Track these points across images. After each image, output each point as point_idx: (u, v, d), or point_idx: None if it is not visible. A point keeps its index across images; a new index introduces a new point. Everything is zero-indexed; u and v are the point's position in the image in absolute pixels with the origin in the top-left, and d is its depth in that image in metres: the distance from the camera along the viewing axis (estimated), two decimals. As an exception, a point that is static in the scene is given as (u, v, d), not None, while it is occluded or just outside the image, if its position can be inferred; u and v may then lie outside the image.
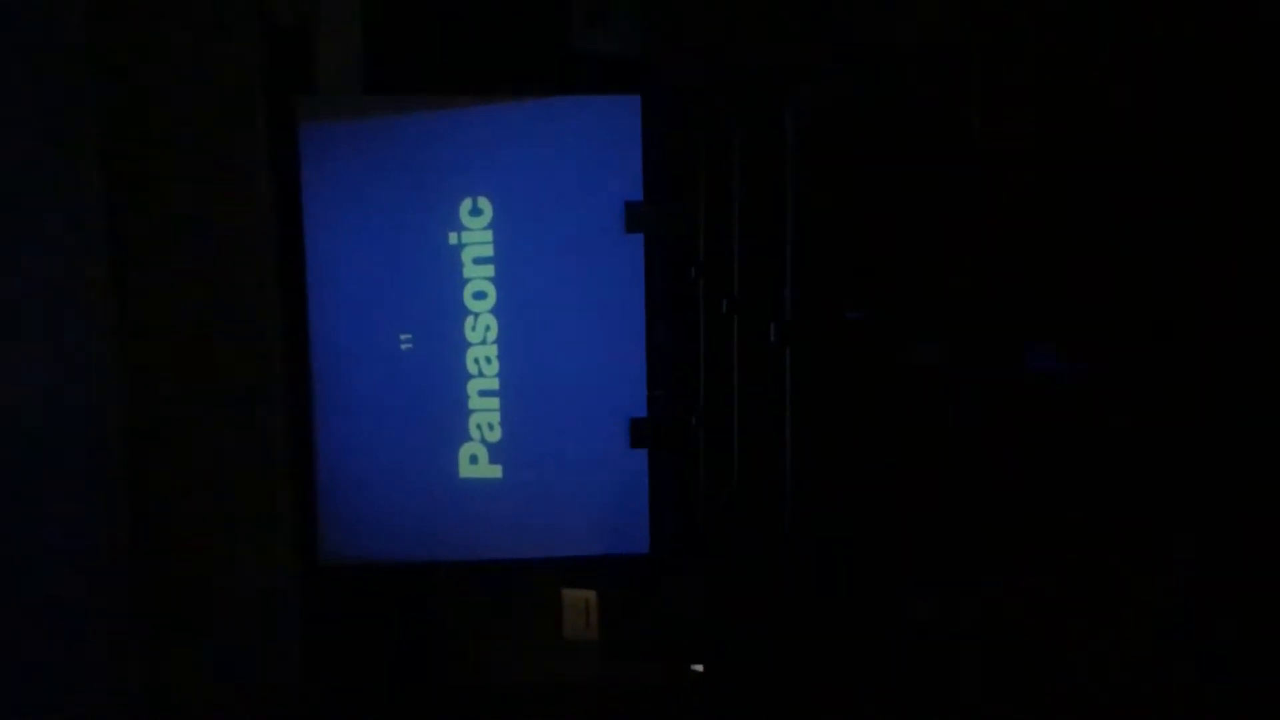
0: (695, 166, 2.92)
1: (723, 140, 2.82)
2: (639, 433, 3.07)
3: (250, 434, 2.90)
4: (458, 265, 3.01)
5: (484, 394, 3.05)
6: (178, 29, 2.77)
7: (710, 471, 3.01)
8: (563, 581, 3.14)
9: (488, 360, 3.04)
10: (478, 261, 3.01)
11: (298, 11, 3.00)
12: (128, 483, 2.80)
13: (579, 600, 3.12)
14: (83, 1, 2.65)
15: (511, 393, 3.05)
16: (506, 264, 3.02)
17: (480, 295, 3.02)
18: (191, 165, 2.81)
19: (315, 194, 2.96)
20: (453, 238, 3.00)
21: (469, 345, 3.03)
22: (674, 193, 3.00)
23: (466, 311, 3.02)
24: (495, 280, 3.02)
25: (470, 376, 3.04)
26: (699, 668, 3.01)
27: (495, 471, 3.07)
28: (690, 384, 3.04)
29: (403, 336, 3.02)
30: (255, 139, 2.85)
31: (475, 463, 3.07)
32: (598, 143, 2.99)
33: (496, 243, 3.01)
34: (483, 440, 3.06)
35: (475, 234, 3.01)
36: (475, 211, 3.00)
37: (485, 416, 3.06)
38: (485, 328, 3.03)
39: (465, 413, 3.05)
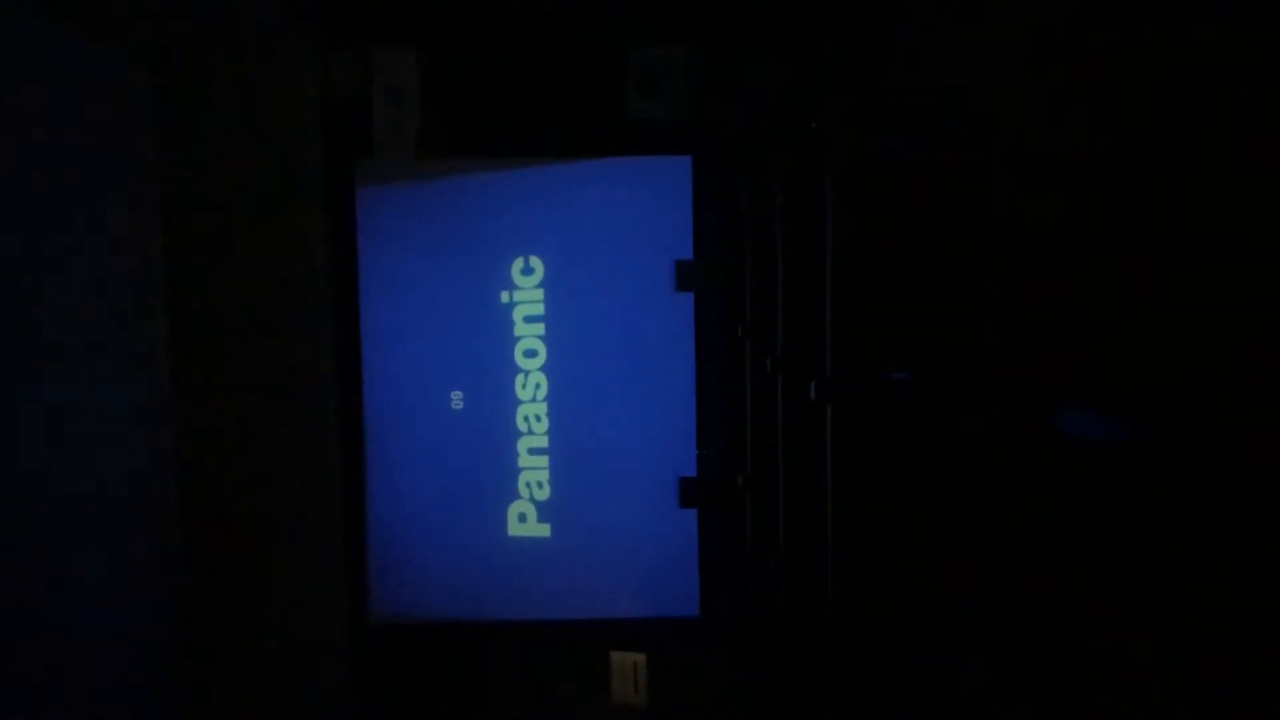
0: (744, 226, 2.91)
1: (768, 200, 2.82)
2: (688, 492, 3.03)
3: (305, 491, 2.95)
4: (509, 323, 3.04)
5: (533, 452, 3.05)
6: (242, 98, 2.89)
7: (759, 533, 2.95)
8: (612, 644, 3.09)
9: (537, 418, 3.04)
10: (529, 320, 3.04)
11: (359, 79, 3.09)
12: (182, 535, 2.86)
13: (628, 664, 3.07)
14: (149, 75, 2.78)
15: (561, 451, 3.05)
16: (557, 322, 3.03)
17: (531, 353, 3.04)
18: (251, 226, 2.90)
19: (371, 254, 3.03)
20: (504, 296, 3.04)
21: (519, 403, 3.04)
22: (724, 252, 2.99)
23: (517, 369, 3.04)
24: (546, 338, 3.03)
25: (520, 434, 3.05)
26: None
27: (544, 530, 3.06)
28: (740, 443, 3.00)
29: (454, 394, 3.04)
30: (314, 201, 2.94)
31: (524, 521, 3.06)
32: (649, 203, 3.01)
33: (547, 301, 3.03)
34: (531, 498, 3.06)
35: (527, 292, 3.03)
36: (527, 270, 3.03)
37: (534, 474, 3.05)
38: (535, 385, 3.04)
39: (515, 471, 3.05)
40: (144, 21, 2.71)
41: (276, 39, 2.87)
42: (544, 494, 3.05)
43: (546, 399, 3.04)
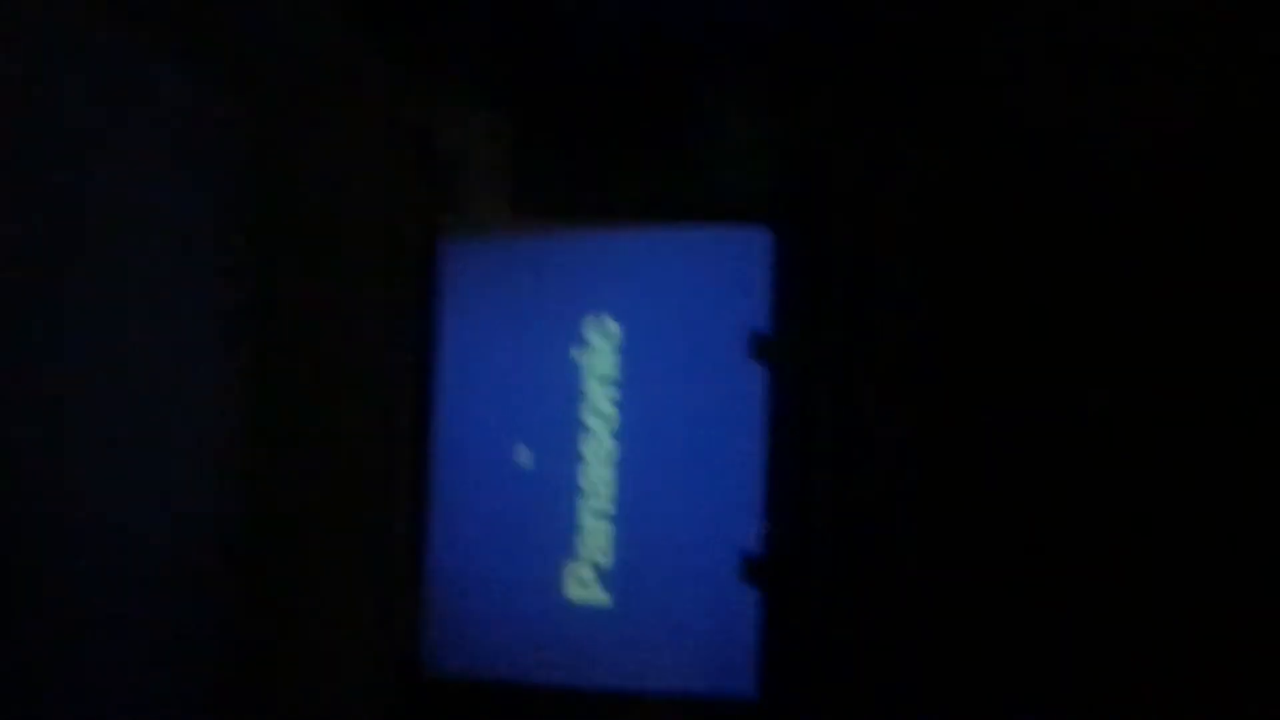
0: (824, 298, 2.86)
1: (853, 272, 2.78)
2: (751, 569, 2.95)
3: (369, 538, 2.97)
4: (581, 384, 3.03)
5: (597, 515, 3.01)
6: (340, 149, 2.98)
7: (824, 615, 2.85)
8: (667, 718, 3.00)
9: (603, 481, 3.01)
10: (601, 381, 3.02)
11: (454, 135, 3.17)
12: (245, 580, 2.89)
13: (680, 742, 2.97)
14: (252, 120, 2.89)
15: (624, 516, 3.01)
16: (629, 385, 3.01)
17: (601, 415, 3.02)
18: (338, 276, 2.97)
19: (451, 307, 3.07)
20: (579, 356, 3.03)
21: (586, 464, 3.02)
22: (802, 325, 2.94)
23: (586, 430, 3.02)
24: (617, 401, 3.01)
25: (585, 496, 3.02)
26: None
27: (603, 596, 3.01)
28: (808, 521, 2.91)
29: (522, 451, 3.04)
30: (401, 254, 3.00)
31: (584, 585, 3.02)
32: (727, 272, 2.99)
33: (621, 364, 3.02)
34: (592, 562, 3.02)
35: (601, 354, 3.03)
36: (603, 332, 3.03)
37: (597, 539, 3.01)
38: (603, 448, 3.01)
39: (577, 533, 3.02)
40: (250, 68, 2.82)
41: (377, 92, 2.97)
42: (605, 559, 3.01)
43: (613, 462, 3.01)
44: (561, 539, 3.03)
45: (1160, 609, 1.71)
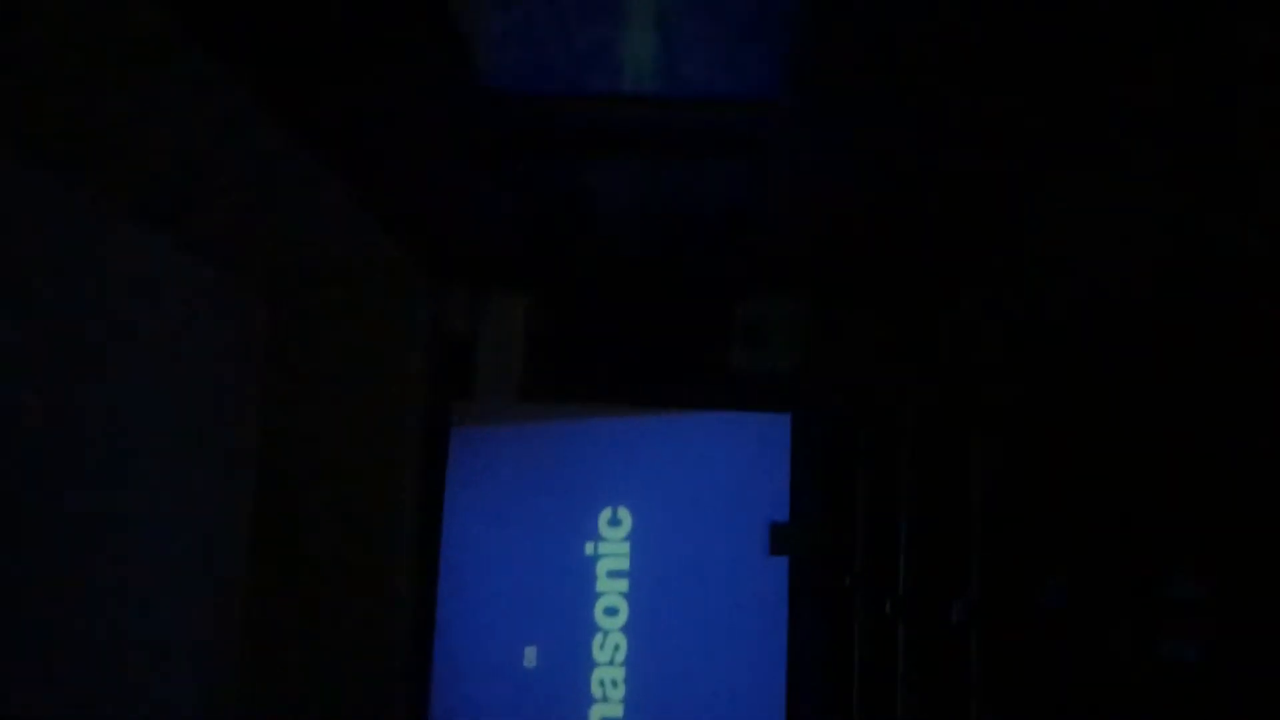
0: (844, 484, 2.76)
1: (879, 456, 2.69)
2: (774, 784, 2.71)
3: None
4: (591, 577, 2.88)
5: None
6: (352, 334, 2.95)
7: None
8: None
9: (614, 683, 2.82)
10: (612, 575, 2.88)
11: (467, 321, 3.16)
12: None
13: None
14: (265, 306, 2.88)
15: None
16: (642, 579, 2.87)
17: (612, 611, 2.86)
18: (346, 459, 2.88)
19: (458, 494, 2.97)
20: (589, 548, 2.90)
21: (595, 665, 2.83)
22: (821, 514, 2.82)
23: (596, 628, 2.85)
24: (629, 596, 2.86)
25: (594, 701, 2.82)
26: None
27: (613, 810, 2.76)
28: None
29: (528, 650, 2.86)
30: (410, 439, 2.93)
31: (593, 799, 2.77)
32: (745, 460, 2.91)
33: (634, 556, 2.89)
34: (603, 773, 2.78)
35: (612, 545, 2.90)
36: (614, 522, 2.91)
37: (607, 746, 2.79)
38: (614, 647, 2.84)
39: (586, 740, 2.80)
40: (266, 255, 2.83)
41: (390, 279, 2.96)
42: (616, 768, 2.77)
43: (625, 663, 2.82)
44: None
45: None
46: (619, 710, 2.81)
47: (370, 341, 2.97)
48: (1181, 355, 1.77)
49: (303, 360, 2.95)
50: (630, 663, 2.82)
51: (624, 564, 2.88)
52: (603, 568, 2.89)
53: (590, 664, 2.83)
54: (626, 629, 2.84)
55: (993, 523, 2.15)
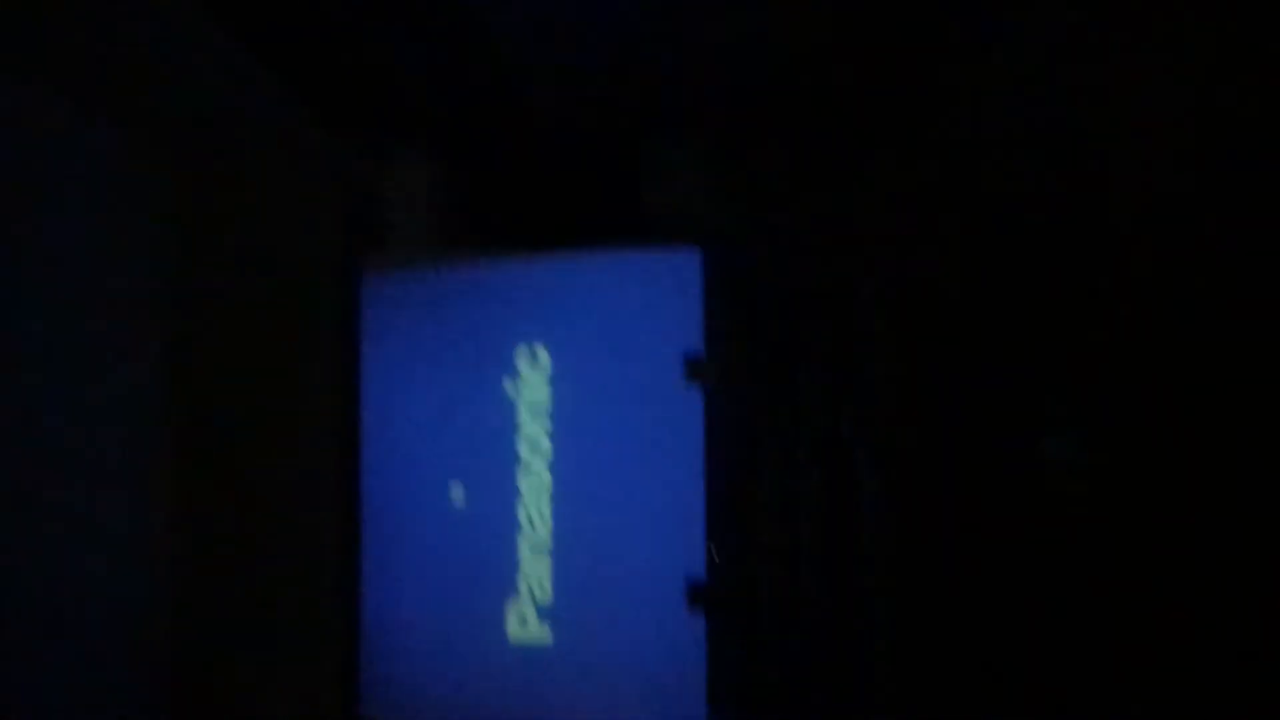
0: (754, 316, 2.85)
1: (785, 289, 2.78)
2: (697, 595, 2.89)
3: (299, 585, 2.84)
4: (513, 415, 2.96)
5: (535, 551, 2.93)
6: (261, 193, 2.88)
7: (774, 638, 2.81)
8: (614, 757, 2.91)
9: (540, 515, 2.93)
10: (533, 412, 2.95)
11: (371, 170, 3.09)
12: (173, 630, 2.74)
13: (631, 779, 2.88)
14: (169, 170, 2.78)
15: (564, 550, 2.93)
16: (563, 415, 2.95)
17: (535, 447, 2.95)
18: (261, 316, 2.86)
19: (376, 345, 2.98)
20: (509, 387, 2.96)
21: (521, 499, 2.94)
22: (735, 344, 2.92)
23: (520, 463, 2.95)
24: (551, 432, 2.95)
25: (521, 532, 2.94)
26: None
27: (545, 635, 2.92)
28: (749, 543, 2.88)
29: (454, 489, 2.94)
30: (323, 294, 2.91)
31: (524, 624, 2.93)
32: (658, 295, 2.96)
33: (553, 392, 2.96)
34: (533, 600, 2.93)
35: (532, 383, 2.96)
36: (533, 361, 2.97)
37: (536, 575, 2.93)
38: (539, 480, 2.94)
39: (515, 570, 2.93)
40: (173, 117, 2.70)
41: (293, 135, 2.87)
42: (546, 595, 2.92)
43: (550, 495, 2.93)
44: (499, 578, 2.94)
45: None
46: (547, 539, 2.94)
47: (277, 199, 2.91)
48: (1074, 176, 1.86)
49: (211, 222, 2.87)
50: (556, 494, 2.93)
51: (545, 401, 2.96)
52: (524, 405, 2.96)
53: (517, 497, 2.94)
54: (550, 463, 2.94)
55: (885, 344, 2.25)
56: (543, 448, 2.94)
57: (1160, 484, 1.68)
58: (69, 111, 2.36)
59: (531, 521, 2.93)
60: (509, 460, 2.94)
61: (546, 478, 2.94)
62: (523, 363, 2.97)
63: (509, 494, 2.94)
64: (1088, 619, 1.77)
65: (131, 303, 2.64)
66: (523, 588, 2.92)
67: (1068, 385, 1.86)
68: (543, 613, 2.92)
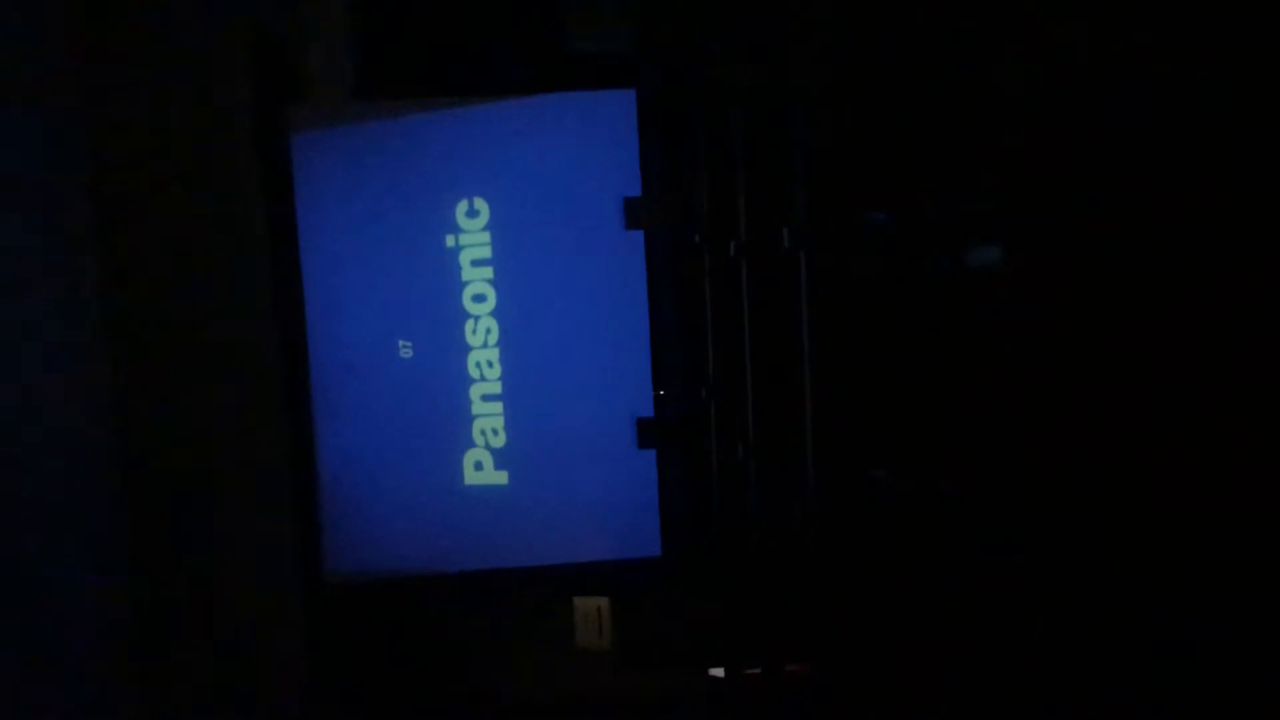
0: (691, 158, 2.88)
1: (717, 124, 2.80)
2: (646, 433, 3.00)
3: (248, 449, 2.85)
4: (456, 268, 2.96)
5: (487, 398, 2.99)
6: (165, 40, 2.75)
7: (723, 467, 2.94)
8: (574, 590, 3.05)
9: (489, 364, 2.98)
10: (476, 264, 2.96)
11: (288, 20, 2.98)
12: (122, 499, 2.74)
13: (591, 608, 3.03)
14: (71, 21, 2.64)
15: (515, 396, 2.99)
16: (505, 265, 2.97)
17: (480, 298, 2.97)
18: (181, 178, 2.77)
19: (308, 203, 2.93)
20: (450, 240, 2.96)
21: (470, 349, 2.98)
22: (672, 186, 2.95)
23: (466, 315, 2.97)
24: (494, 282, 2.97)
25: (472, 381, 2.98)
26: (718, 672, 2.91)
27: (501, 478, 3.01)
28: (696, 380, 2.98)
29: (402, 343, 2.96)
30: (246, 150, 2.82)
31: (480, 469, 3.00)
32: (593, 139, 2.95)
33: (494, 244, 2.96)
34: (487, 446, 3.00)
35: (473, 236, 2.96)
36: (472, 213, 2.96)
37: (489, 422, 2.99)
38: (486, 331, 2.97)
39: (468, 419, 2.99)
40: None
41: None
42: (500, 441, 2.99)
43: (498, 344, 2.97)
44: (453, 426, 2.99)
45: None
46: (497, 387, 2.99)
47: (187, 50, 2.78)
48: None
49: (118, 81, 2.74)
50: (503, 343, 2.97)
51: (486, 252, 2.96)
52: (465, 257, 2.96)
53: (465, 348, 2.97)
54: (496, 313, 2.97)
55: (818, 161, 2.29)
56: (488, 299, 2.96)
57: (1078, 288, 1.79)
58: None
59: (481, 371, 2.97)
60: (455, 314, 2.96)
61: (494, 328, 2.97)
62: (462, 216, 2.95)
63: (458, 346, 2.97)
64: (1010, 416, 1.89)
65: (37, 174, 2.53)
66: (477, 435, 2.99)
67: (995, 193, 1.94)
68: (498, 457, 3.00)
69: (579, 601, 3.03)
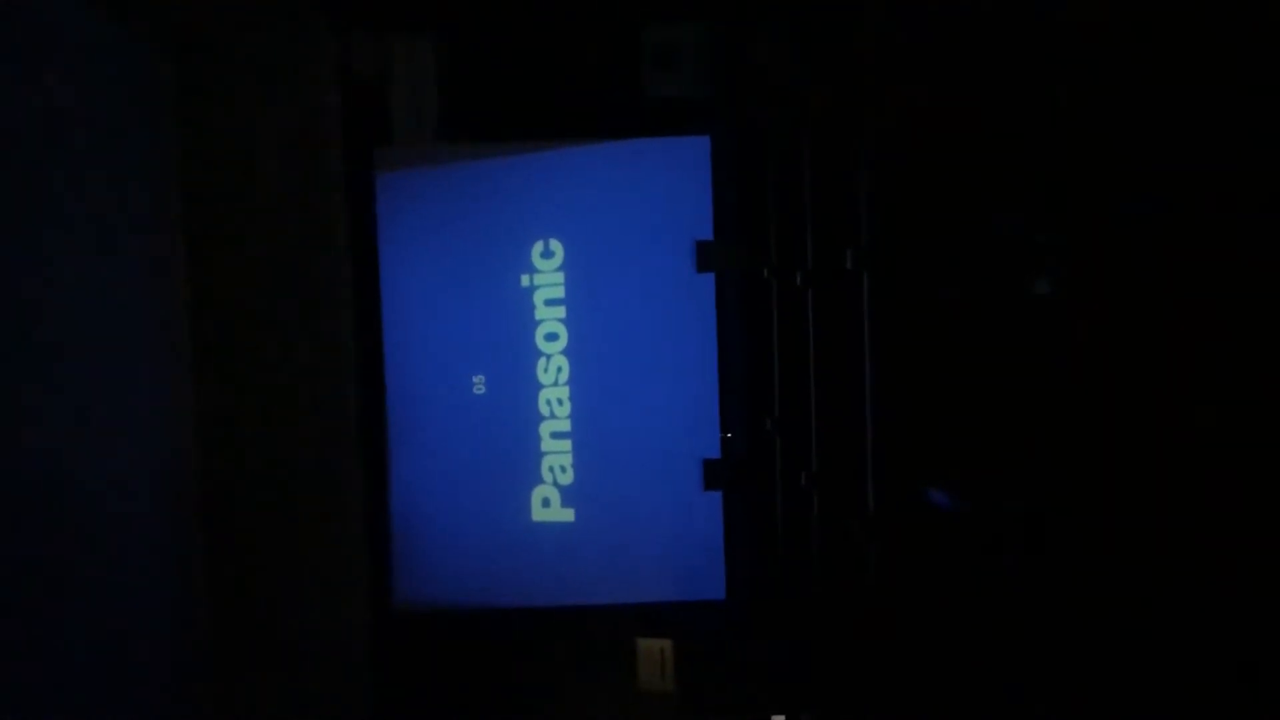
0: (761, 199, 2.90)
1: (790, 166, 2.81)
2: (713, 474, 3.01)
3: (325, 479, 2.92)
4: (530, 307, 3.02)
5: (556, 436, 3.03)
6: (262, 88, 2.88)
7: (787, 506, 2.92)
8: (636, 630, 3.05)
9: (560, 402, 3.02)
10: (549, 303, 3.02)
11: (377, 66, 3.09)
12: (203, 526, 2.83)
13: (655, 650, 3.03)
14: (171, 65, 2.78)
15: (584, 434, 3.02)
16: (578, 305, 3.02)
17: (552, 337, 3.02)
18: (271, 216, 2.88)
19: (391, 241, 3.02)
20: (525, 280, 3.02)
21: (541, 387, 3.02)
22: (744, 231, 2.98)
23: (539, 353, 3.02)
24: (567, 321, 3.02)
25: (542, 419, 3.03)
26: (780, 719, 2.88)
27: (568, 515, 3.04)
28: (761, 413, 2.98)
29: (475, 379, 3.02)
30: (334, 190, 2.93)
31: (548, 506, 3.04)
32: (668, 183, 3.00)
33: (568, 284, 3.02)
34: (555, 483, 3.03)
35: (547, 276, 3.02)
36: (547, 254, 3.02)
37: (558, 459, 3.03)
38: (557, 369, 3.02)
39: (538, 455, 3.03)
40: (166, 10, 2.69)
41: (295, 27, 2.87)
42: (567, 478, 3.03)
43: (568, 382, 3.02)
44: (522, 462, 3.04)
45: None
46: (566, 425, 3.03)
47: (281, 95, 2.90)
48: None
49: (214, 118, 2.87)
50: (573, 381, 3.02)
51: (559, 292, 3.02)
52: (539, 297, 3.02)
53: (537, 385, 3.02)
54: (567, 351, 3.02)
55: (881, 190, 2.28)
56: (560, 338, 3.01)
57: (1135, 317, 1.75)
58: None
59: (551, 409, 3.02)
60: (528, 352, 3.02)
61: (565, 366, 3.01)
62: (537, 257, 3.02)
63: (529, 383, 3.02)
64: (1083, 447, 1.86)
65: (134, 212, 2.65)
66: (545, 472, 3.02)
67: (1058, 221, 1.92)
68: (565, 495, 3.03)
69: (643, 643, 3.03)
